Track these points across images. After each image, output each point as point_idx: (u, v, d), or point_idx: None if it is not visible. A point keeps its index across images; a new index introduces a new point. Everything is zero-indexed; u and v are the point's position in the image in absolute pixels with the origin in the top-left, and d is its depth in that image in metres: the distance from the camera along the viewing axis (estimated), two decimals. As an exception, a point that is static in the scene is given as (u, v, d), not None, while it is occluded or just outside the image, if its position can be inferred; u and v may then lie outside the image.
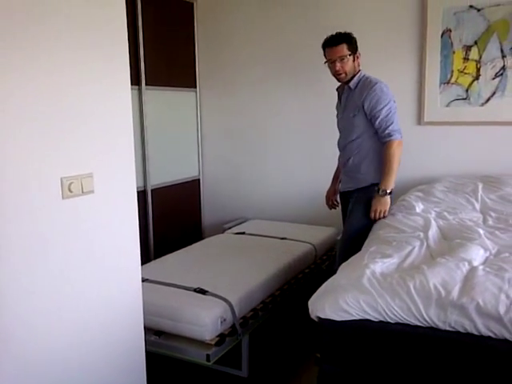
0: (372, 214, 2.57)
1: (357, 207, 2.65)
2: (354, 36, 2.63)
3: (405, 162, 3.43)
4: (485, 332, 1.56)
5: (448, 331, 1.62)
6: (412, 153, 3.44)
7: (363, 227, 2.58)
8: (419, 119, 3.40)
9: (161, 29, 3.62)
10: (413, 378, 1.70)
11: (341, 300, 1.72)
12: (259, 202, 4.02)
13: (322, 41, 2.64)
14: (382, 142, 2.58)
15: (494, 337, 1.56)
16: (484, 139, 3.26)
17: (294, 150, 3.85)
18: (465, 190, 2.91)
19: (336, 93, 2.83)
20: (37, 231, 1.55)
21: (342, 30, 2.63)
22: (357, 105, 2.60)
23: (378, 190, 2.55)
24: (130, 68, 1.84)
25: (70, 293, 1.68)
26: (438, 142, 3.38)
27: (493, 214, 2.57)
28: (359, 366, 1.77)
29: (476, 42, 3.18)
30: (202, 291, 2.38)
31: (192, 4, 3.90)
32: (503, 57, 3.12)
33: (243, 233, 3.50)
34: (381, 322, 1.70)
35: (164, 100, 3.71)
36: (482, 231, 2.25)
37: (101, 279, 1.79)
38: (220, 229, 3.81)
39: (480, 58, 3.18)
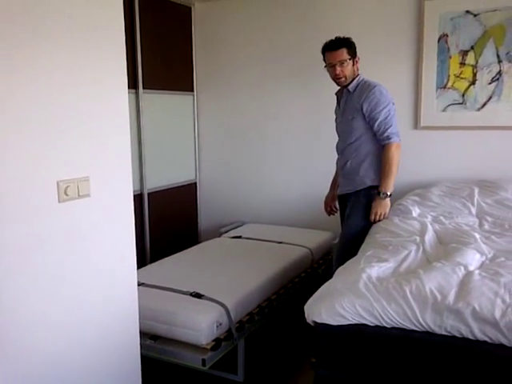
0: (372, 217, 2.58)
1: (354, 210, 2.65)
2: (353, 41, 2.64)
3: (401, 166, 3.42)
4: (481, 337, 1.57)
5: (444, 336, 1.62)
6: (408, 157, 3.44)
7: (361, 230, 2.58)
8: (416, 123, 3.40)
9: (158, 33, 3.62)
10: (409, 382, 1.70)
11: (337, 304, 1.72)
12: (256, 206, 4.02)
13: (319, 45, 2.65)
14: (380, 145, 2.59)
15: (490, 341, 1.56)
16: (480, 144, 3.27)
17: (291, 153, 3.85)
18: (461, 194, 2.92)
19: (335, 97, 2.83)
20: (33, 234, 1.55)
21: (340, 34, 2.64)
22: (355, 107, 2.61)
23: (379, 192, 2.56)
24: (128, 71, 1.84)
25: (65, 296, 1.67)
26: (435, 147, 3.38)
27: (489, 219, 2.58)
28: (355, 371, 1.77)
29: (472, 47, 3.19)
30: (198, 295, 2.37)
31: (189, 8, 3.91)
32: (499, 62, 3.14)
33: (240, 237, 3.50)
34: (377, 326, 1.70)
35: (161, 104, 3.71)
36: (478, 236, 2.26)
37: (97, 283, 1.79)
38: (216, 233, 3.80)
39: (476, 62, 3.19)
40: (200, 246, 3.37)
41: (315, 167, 3.73)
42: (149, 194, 3.62)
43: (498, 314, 1.55)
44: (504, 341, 1.54)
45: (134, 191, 1.94)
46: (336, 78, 2.64)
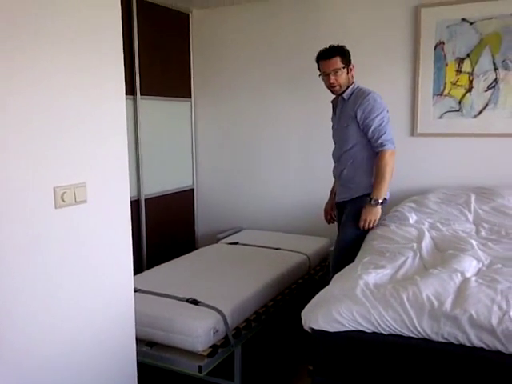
0: (361, 224, 2.57)
1: (350, 218, 2.65)
2: (347, 49, 2.64)
3: (398, 173, 3.44)
4: (477, 343, 1.57)
5: (441, 342, 1.62)
6: (405, 164, 3.45)
7: (357, 237, 2.58)
8: (412, 131, 3.42)
9: (156, 39, 3.64)
10: (406, 389, 1.70)
11: (334, 311, 1.72)
12: (253, 212, 4.02)
13: (316, 52, 2.66)
14: (375, 152, 2.59)
15: (487, 348, 1.56)
16: (477, 151, 3.29)
17: (289, 159, 3.86)
18: (458, 201, 2.93)
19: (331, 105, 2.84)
20: (30, 240, 1.54)
21: (337, 41, 2.65)
22: (350, 115, 2.61)
23: (370, 199, 2.55)
24: (125, 78, 1.84)
25: (62, 302, 1.67)
26: (431, 154, 3.40)
27: (486, 226, 2.59)
28: (352, 378, 1.77)
29: (468, 55, 3.21)
30: (195, 302, 2.37)
31: (187, 15, 3.93)
32: (495, 69, 3.16)
33: (237, 243, 3.49)
34: (374, 333, 1.70)
35: (159, 110, 3.72)
36: (474, 242, 2.26)
37: (93, 289, 1.78)
38: (214, 239, 3.80)
39: (472, 70, 3.21)
40: (197, 252, 3.36)
41: (313, 173, 3.74)
42: (146, 199, 3.62)
43: (494, 321, 1.55)
44: (501, 347, 1.54)
45: (131, 197, 1.94)
46: (330, 87, 2.65)
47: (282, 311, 2.83)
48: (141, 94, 3.49)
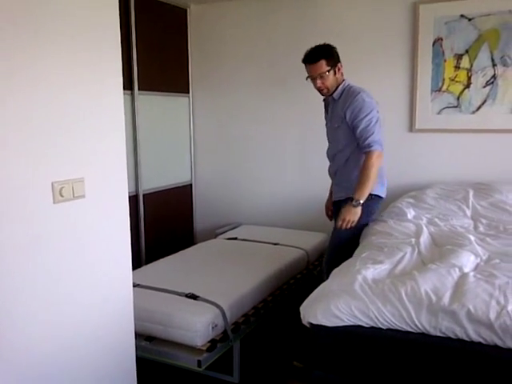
0: (339, 223, 2.52)
1: None
2: (334, 47, 2.58)
3: (396, 169, 3.46)
4: (475, 338, 1.57)
5: (439, 337, 1.62)
6: (403, 160, 3.46)
7: (352, 236, 2.56)
8: (411, 126, 3.42)
9: (154, 34, 3.62)
10: (404, 383, 1.70)
11: (332, 306, 1.73)
12: (252, 208, 4.03)
13: (315, 45, 2.63)
14: (362, 153, 2.53)
15: (485, 343, 1.57)
16: (475, 147, 3.29)
17: (286, 155, 3.86)
18: (456, 196, 2.93)
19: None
20: (28, 235, 1.54)
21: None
22: (340, 115, 2.57)
23: (352, 199, 2.49)
24: (123, 73, 1.84)
25: (61, 297, 1.67)
26: (430, 149, 3.40)
27: (484, 221, 2.59)
28: (351, 372, 1.77)
29: (467, 51, 3.21)
30: (194, 296, 2.37)
31: (185, 10, 3.91)
32: (494, 65, 3.16)
33: (235, 238, 3.50)
34: (372, 327, 1.71)
35: (157, 105, 3.71)
36: (472, 238, 2.27)
37: (92, 284, 1.79)
38: (212, 234, 3.80)
39: (471, 66, 3.21)
40: (195, 248, 3.37)
41: (311, 169, 3.74)
42: (144, 195, 3.62)
43: (492, 316, 1.56)
44: (498, 342, 1.55)
45: (129, 192, 1.94)
46: (319, 90, 2.61)
47: (280, 306, 2.83)
48: (139, 90, 3.48)
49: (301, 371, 2.50)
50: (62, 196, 1.63)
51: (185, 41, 3.95)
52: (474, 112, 3.25)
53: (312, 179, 3.72)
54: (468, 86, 3.24)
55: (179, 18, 3.88)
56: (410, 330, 1.66)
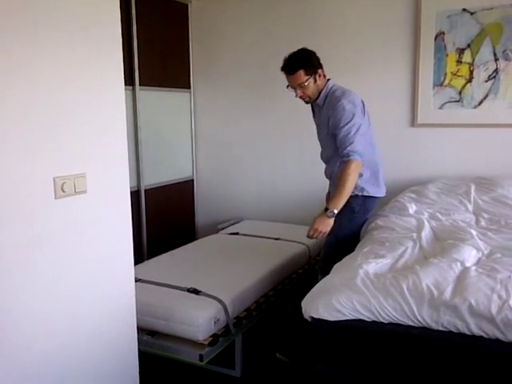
0: (311, 232, 2.46)
1: (340, 216, 2.51)
2: (312, 53, 2.50)
3: (398, 164, 3.46)
4: (477, 332, 1.58)
5: (441, 331, 1.63)
6: (405, 154, 3.46)
7: (347, 234, 2.53)
8: (413, 121, 3.41)
9: (155, 30, 3.62)
10: (406, 377, 1.71)
11: (334, 300, 1.73)
12: (253, 203, 4.03)
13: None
14: (341, 161, 2.47)
15: (486, 337, 1.57)
16: (477, 141, 3.29)
17: (288, 150, 3.86)
18: (458, 191, 2.93)
19: None
20: (29, 231, 1.54)
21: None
22: (325, 123, 2.53)
23: (326, 209, 2.42)
24: (124, 68, 1.83)
25: (63, 292, 1.67)
26: (431, 144, 3.40)
27: (485, 216, 2.59)
28: (352, 366, 1.78)
29: (469, 45, 3.20)
30: (196, 291, 2.38)
31: (186, 5, 3.90)
32: (496, 60, 3.15)
33: (237, 233, 3.50)
34: (374, 322, 1.71)
35: (158, 100, 3.71)
36: (474, 232, 2.27)
37: (94, 279, 1.79)
38: (214, 229, 3.81)
39: (473, 60, 3.20)
40: (197, 243, 3.37)
41: (313, 164, 3.72)
42: (146, 190, 3.62)
43: (494, 310, 1.56)
44: (500, 336, 1.55)
45: (130, 188, 1.94)
46: (301, 99, 2.56)
47: (282, 301, 2.84)
48: (140, 85, 3.47)
49: (286, 365, 2.51)
50: (63, 191, 1.63)
51: (186, 36, 3.94)
52: (475, 106, 3.24)
53: (313, 174, 3.70)
54: (470, 80, 3.23)
55: (180, 12, 3.87)
56: (411, 324, 1.66)
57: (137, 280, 2.33)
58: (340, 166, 2.48)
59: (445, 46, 3.25)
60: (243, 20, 3.81)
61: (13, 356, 1.54)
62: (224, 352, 2.38)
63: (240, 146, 4.01)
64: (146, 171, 3.61)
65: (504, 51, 3.12)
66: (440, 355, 1.63)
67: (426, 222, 2.42)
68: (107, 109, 1.78)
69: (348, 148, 2.40)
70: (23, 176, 1.51)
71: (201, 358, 2.18)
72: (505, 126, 3.19)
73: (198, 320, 2.17)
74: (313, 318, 1.78)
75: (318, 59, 2.52)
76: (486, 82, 3.19)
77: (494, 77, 3.17)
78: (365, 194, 2.54)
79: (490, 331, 1.56)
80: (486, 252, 2.04)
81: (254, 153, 3.97)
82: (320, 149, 2.72)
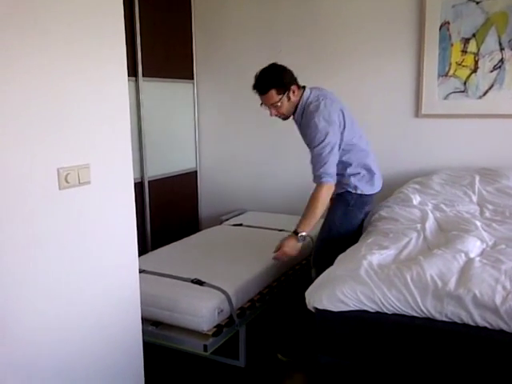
0: (278, 254, 2.45)
1: (335, 207, 2.58)
2: (284, 68, 2.42)
3: (402, 155, 3.45)
4: (481, 323, 1.58)
5: (444, 322, 1.63)
6: (409, 145, 3.44)
7: (341, 230, 2.51)
8: (417, 112, 3.39)
9: (158, 20, 3.60)
10: (409, 367, 1.72)
11: (338, 291, 1.73)
12: (257, 194, 4.02)
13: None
14: (353, 157, 2.45)
15: (490, 327, 1.57)
16: (482, 132, 3.27)
17: (291, 141, 3.82)
18: (462, 182, 2.92)
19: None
20: (33, 221, 1.55)
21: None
22: (304, 139, 2.49)
23: (295, 231, 2.41)
24: (127, 59, 1.82)
25: (66, 283, 1.68)
26: (436, 135, 3.38)
27: (490, 207, 2.58)
28: (356, 357, 1.79)
29: (474, 35, 3.17)
30: (199, 282, 2.38)
31: (189, -5, 3.88)
32: (501, 49, 3.12)
33: (240, 224, 3.50)
34: (378, 312, 1.71)
35: (161, 91, 3.70)
36: (478, 223, 2.26)
37: (98, 270, 1.79)
38: (217, 220, 3.81)
39: (478, 50, 3.18)
40: (201, 234, 3.38)
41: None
42: (149, 181, 3.62)
43: (498, 301, 1.56)
44: (504, 327, 1.55)
45: (134, 179, 1.94)
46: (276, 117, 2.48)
47: (285, 291, 2.85)
48: (143, 76, 3.46)
49: (287, 364, 2.52)
50: (67, 182, 1.63)
51: (189, 26, 3.92)
52: (480, 97, 3.22)
53: (317, 165, 3.70)
54: (475, 70, 3.20)
55: (183, 2, 3.84)
56: (415, 314, 1.66)
57: (141, 271, 2.34)
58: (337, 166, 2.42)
59: (450, 36, 3.22)
60: (247, 9, 3.78)
61: (16, 349, 1.54)
62: (228, 342, 2.39)
63: (243, 138, 4.00)
64: (150, 163, 3.61)
65: (510, 41, 3.09)
66: (444, 346, 1.63)
67: (430, 213, 2.41)
68: (111, 100, 1.77)
69: (320, 170, 2.34)
70: (27, 167, 1.51)
71: (205, 348, 2.19)
72: (510, 116, 3.16)
73: (202, 310, 2.18)
74: (316, 308, 1.79)
75: (290, 74, 2.42)
76: (491, 72, 3.17)
77: (500, 67, 3.14)
78: (358, 192, 2.51)
79: (493, 322, 1.56)
80: (490, 243, 2.04)
81: (258, 144, 3.96)
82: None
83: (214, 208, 4.18)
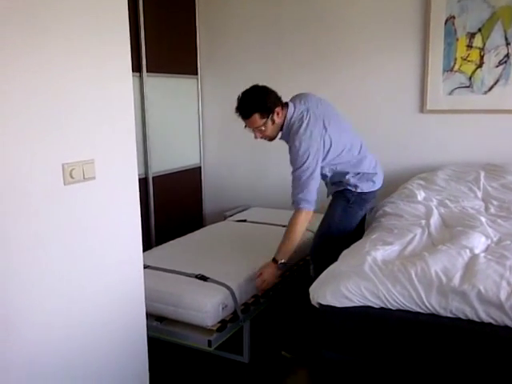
0: (258, 282, 2.44)
1: (335, 204, 2.58)
2: (267, 91, 2.38)
3: (407, 150, 3.44)
4: (486, 319, 1.57)
5: (449, 318, 1.62)
6: (414, 141, 3.43)
7: (340, 226, 2.50)
8: (422, 107, 3.38)
9: (162, 15, 3.59)
10: (414, 364, 1.71)
11: (342, 287, 1.73)
12: (261, 190, 4.02)
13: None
14: (349, 157, 2.42)
15: (495, 323, 1.57)
16: (487, 127, 3.25)
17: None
18: (467, 178, 2.91)
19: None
20: (38, 216, 1.55)
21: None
22: None
23: (274, 259, 2.43)
24: (131, 55, 1.82)
25: (71, 279, 1.68)
26: (441, 130, 3.37)
27: (495, 202, 2.57)
28: (360, 353, 1.79)
29: (480, 30, 3.15)
30: (204, 278, 2.39)
31: (193, -10, 3.87)
32: (507, 44, 3.10)
33: (244, 220, 3.50)
34: (382, 308, 1.71)
35: (165, 87, 3.70)
36: (483, 219, 2.25)
37: (103, 266, 1.80)
38: (221, 216, 3.81)
39: (484, 45, 3.16)
40: (205, 230, 3.38)
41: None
42: (153, 177, 3.63)
43: (503, 296, 1.55)
44: (509, 322, 1.54)
45: (138, 175, 1.94)
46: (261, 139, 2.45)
47: (289, 287, 2.85)
48: (147, 71, 3.46)
49: (291, 361, 2.53)
50: (72, 178, 1.63)
51: (193, 21, 3.91)
52: (486, 92, 3.20)
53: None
54: (480, 65, 3.18)
55: (187, -2, 3.84)
56: (419, 310, 1.66)
57: (145, 266, 2.35)
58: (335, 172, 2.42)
59: (455, 31, 3.20)
60: (250, 5, 3.77)
61: (22, 346, 1.55)
62: (232, 338, 2.39)
63: (248, 133, 3.99)
64: (154, 158, 3.61)
65: (516, 35, 3.07)
66: (448, 342, 1.63)
67: (434, 209, 2.41)
68: (115, 95, 1.77)
69: (299, 196, 2.33)
70: (32, 162, 1.51)
71: (209, 343, 2.20)
72: (515, 111, 3.15)
73: (206, 306, 2.19)
74: (321, 304, 1.79)
75: (274, 96, 2.38)
76: (497, 67, 3.15)
77: (505, 62, 3.12)
78: (358, 190, 2.51)
79: (498, 318, 1.56)
80: (495, 239, 2.03)
81: (262, 140, 3.94)
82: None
83: (218, 204, 4.19)
